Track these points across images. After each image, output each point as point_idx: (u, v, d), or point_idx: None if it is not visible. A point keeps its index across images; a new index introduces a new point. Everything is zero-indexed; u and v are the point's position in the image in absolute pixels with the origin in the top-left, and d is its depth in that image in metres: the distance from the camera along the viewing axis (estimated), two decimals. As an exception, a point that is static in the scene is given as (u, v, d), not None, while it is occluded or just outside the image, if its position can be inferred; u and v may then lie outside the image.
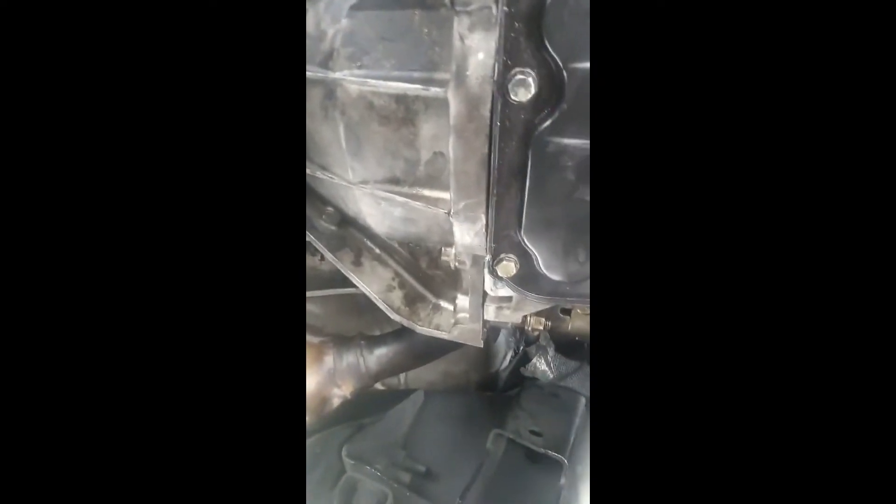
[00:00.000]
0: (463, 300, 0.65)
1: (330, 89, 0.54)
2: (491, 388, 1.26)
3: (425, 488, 0.80)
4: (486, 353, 1.25)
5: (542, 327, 0.67)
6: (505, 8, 0.38)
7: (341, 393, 1.00)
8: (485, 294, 0.58)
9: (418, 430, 0.95)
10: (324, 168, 0.62)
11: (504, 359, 1.27)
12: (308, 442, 0.90)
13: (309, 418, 0.99)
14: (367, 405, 1.02)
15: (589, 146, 0.42)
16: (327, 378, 1.00)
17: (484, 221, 0.50)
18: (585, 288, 0.52)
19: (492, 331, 1.01)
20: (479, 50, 0.42)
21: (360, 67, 0.51)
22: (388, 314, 0.68)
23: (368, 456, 0.82)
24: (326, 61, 0.53)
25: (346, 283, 1.09)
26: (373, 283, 0.69)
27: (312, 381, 0.99)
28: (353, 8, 0.50)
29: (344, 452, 0.82)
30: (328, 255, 0.69)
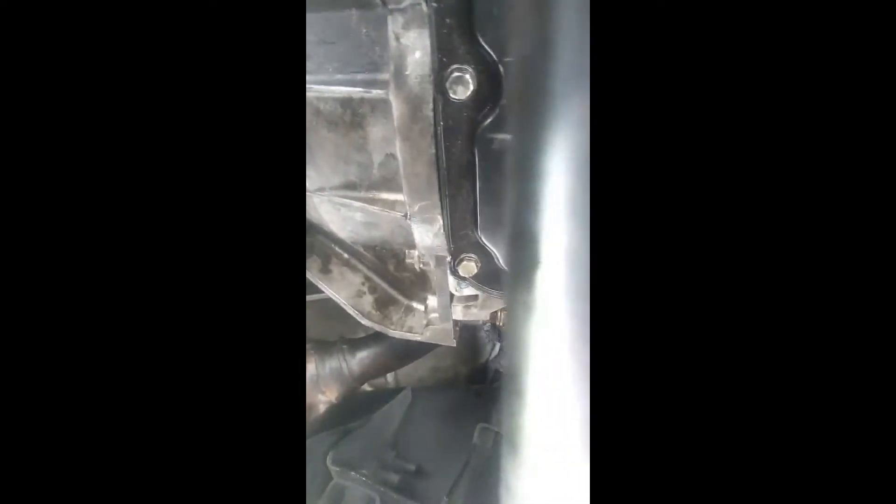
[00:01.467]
0: (433, 300, 0.64)
1: (275, 97, 0.53)
2: (480, 380, 1.26)
3: (414, 488, 0.80)
4: (473, 347, 1.25)
5: (513, 321, 0.67)
6: (434, 3, 0.37)
7: (326, 399, 1.00)
8: (451, 294, 0.58)
9: (407, 429, 0.95)
10: (280, 177, 0.61)
11: (492, 350, 1.27)
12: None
13: (295, 427, 0.98)
14: (354, 408, 1.02)
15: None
16: (311, 385, 1.00)
17: (441, 223, 0.50)
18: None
19: (465, 330, 1.01)
20: (415, 48, 0.41)
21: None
22: (360, 320, 0.67)
23: (355, 461, 0.81)
24: (268, 68, 0.52)
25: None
26: (342, 290, 0.68)
27: (296, 390, 0.98)
28: (290, 11, 0.49)
29: (329, 460, 0.82)
30: (295, 265, 0.68)
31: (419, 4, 0.39)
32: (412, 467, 0.85)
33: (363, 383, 1.01)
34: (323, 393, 0.98)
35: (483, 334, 1.19)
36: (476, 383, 1.25)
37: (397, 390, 1.06)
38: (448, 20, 0.37)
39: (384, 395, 1.05)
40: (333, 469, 0.81)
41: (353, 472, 0.79)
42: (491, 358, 1.28)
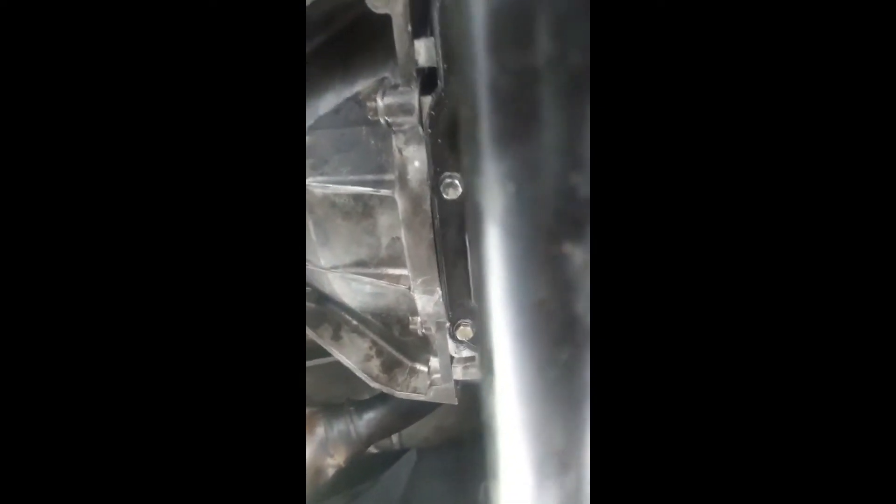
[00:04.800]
0: (435, 362, 0.71)
1: (297, 193, 0.63)
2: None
3: (422, 551, 0.81)
4: (475, 404, 1.28)
5: (509, 378, 0.73)
6: (429, 129, 0.48)
7: (335, 462, 1.02)
8: (451, 356, 0.65)
9: (414, 490, 0.97)
10: (298, 257, 0.70)
11: (494, 406, 1.29)
12: (304, 517, 0.91)
13: (305, 492, 0.99)
14: (361, 471, 1.03)
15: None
16: (320, 448, 1.02)
17: (440, 293, 0.58)
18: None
19: (465, 390, 1.05)
20: (414, 159, 0.51)
21: (321, 174, 0.61)
22: (369, 383, 0.73)
23: (365, 524, 0.83)
24: (292, 170, 0.63)
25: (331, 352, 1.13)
26: (352, 355, 0.75)
27: (306, 454, 1.00)
28: (311, 127, 0.60)
29: (340, 523, 0.84)
30: (309, 332, 0.75)
31: (416, 127, 0.49)
32: (420, 531, 0.86)
33: (370, 445, 1.03)
34: (331, 456, 1.00)
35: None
36: (480, 441, 1.27)
37: (402, 451, 1.08)
38: (440, 140, 0.48)
39: (390, 457, 1.07)
40: (345, 533, 0.82)
41: (364, 536, 0.81)
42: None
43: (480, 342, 0.29)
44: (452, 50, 0.44)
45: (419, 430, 1.23)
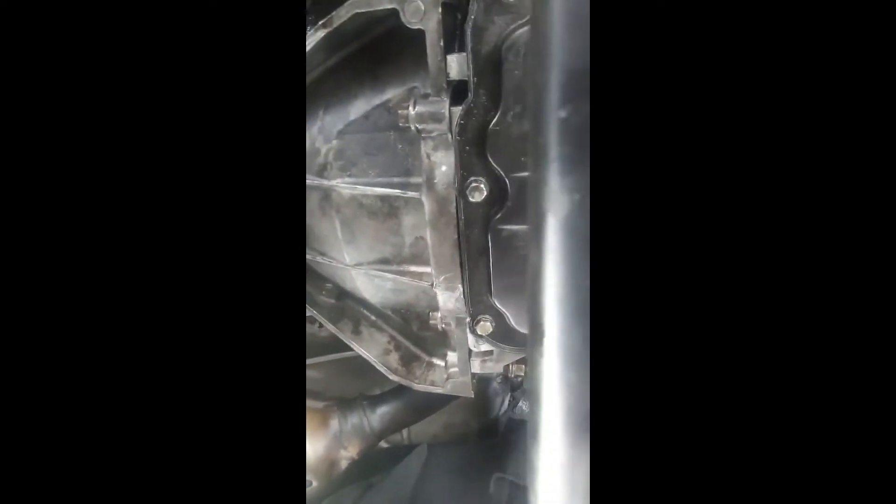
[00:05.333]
0: (453, 356, 0.74)
1: (326, 193, 0.67)
2: (491, 433, 1.31)
3: (435, 540, 0.84)
4: (483, 401, 1.31)
5: (523, 373, 0.76)
6: (458, 137, 0.51)
7: (348, 454, 1.05)
8: (470, 350, 0.68)
9: (425, 484, 0.99)
10: (323, 254, 0.74)
11: (501, 405, 1.33)
12: (321, 505, 0.94)
13: (319, 483, 1.03)
14: (373, 464, 1.06)
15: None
16: (334, 441, 1.05)
17: (461, 290, 0.61)
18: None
19: (482, 383, 1.08)
20: (442, 164, 0.55)
21: (349, 176, 0.64)
22: (388, 375, 0.76)
23: (381, 513, 0.86)
24: (322, 171, 0.66)
25: (344, 347, 1.17)
26: (371, 349, 0.78)
27: (320, 446, 1.04)
28: (341, 132, 0.64)
29: (357, 511, 0.87)
30: (330, 327, 0.79)
31: (445, 134, 0.53)
32: (431, 522, 0.89)
33: (383, 438, 1.06)
34: (345, 448, 1.03)
35: (495, 387, 1.26)
36: (487, 437, 1.30)
37: (413, 446, 1.11)
38: (468, 147, 0.52)
39: (401, 451, 1.10)
40: (362, 520, 0.85)
41: (380, 523, 0.84)
42: (501, 413, 1.33)
43: (532, 319, 0.32)
44: (482, 66, 0.48)
45: (428, 428, 1.26)
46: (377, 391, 1.11)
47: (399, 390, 1.07)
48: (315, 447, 1.02)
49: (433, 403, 1.06)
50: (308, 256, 0.75)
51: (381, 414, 1.04)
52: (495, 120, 0.49)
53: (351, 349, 1.15)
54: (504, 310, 0.61)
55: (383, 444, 1.18)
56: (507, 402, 1.30)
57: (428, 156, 0.55)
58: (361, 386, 1.19)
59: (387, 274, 0.69)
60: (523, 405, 1.12)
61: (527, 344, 0.34)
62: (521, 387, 1.16)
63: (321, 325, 1.20)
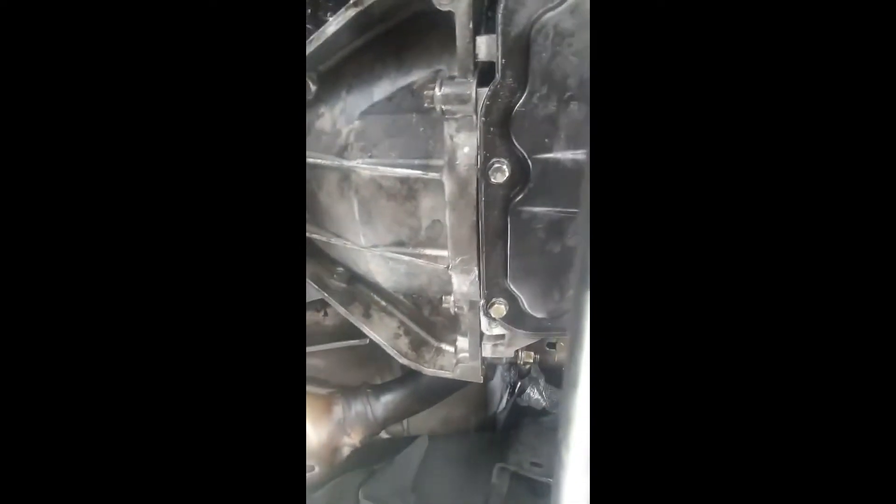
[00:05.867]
0: (462, 342, 0.75)
1: (345, 174, 0.68)
2: (490, 429, 1.31)
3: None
4: (484, 397, 1.32)
5: (531, 360, 0.77)
6: (483, 118, 0.52)
7: (351, 442, 1.05)
8: (481, 334, 0.69)
9: (426, 474, 1.00)
10: (338, 235, 0.74)
11: (501, 401, 1.33)
12: (325, 489, 0.95)
13: (321, 468, 1.03)
14: (374, 453, 1.06)
15: (553, 212, 0.55)
16: (337, 428, 1.05)
17: (477, 273, 0.62)
18: (563, 322, 0.63)
19: (488, 370, 1.09)
20: (464, 145, 0.56)
21: (370, 157, 0.65)
22: (398, 359, 0.77)
23: (384, 497, 0.87)
24: (342, 152, 0.67)
25: (349, 336, 1.17)
26: (381, 332, 0.79)
27: (324, 432, 1.04)
28: (364, 113, 0.65)
29: (361, 494, 0.87)
30: (340, 310, 0.79)
31: (469, 115, 0.54)
32: (432, 510, 0.90)
33: (386, 427, 1.07)
34: (348, 435, 1.04)
35: (498, 381, 1.27)
36: (486, 432, 1.30)
37: (414, 437, 1.12)
38: (492, 128, 0.53)
39: (402, 442, 1.10)
40: (366, 503, 0.86)
41: (384, 505, 0.84)
42: (499, 410, 1.34)
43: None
44: (511, 47, 0.49)
45: (426, 422, 1.26)
46: (380, 381, 1.12)
47: (403, 379, 1.07)
48: (318, 433, 1.02)
49: (437, 393, 1.06)
50: (322, 238, 0.76)
51: (384, 402, 1.04)
52: (521, 101, 0.50)
53: (355, 338, 1.16)
54: (518, 293, 0.61)
55: (384, 435, 1.18)
56: (505, 400, 1.31)
57: (451, 137, 0.56)
58: (365, 375, 1.19)
59: (402, 256, 0.70)
60: (530, 392, 1.12)
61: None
62: (529, 374, 1.17)
63: (326, 314, 1.21)
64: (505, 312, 0.63)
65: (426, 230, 0.68)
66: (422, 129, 0.62)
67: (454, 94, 0.52)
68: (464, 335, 0.74)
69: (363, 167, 0.65)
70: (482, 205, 0.56)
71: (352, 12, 0.56)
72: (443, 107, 0.53)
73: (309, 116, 0.68)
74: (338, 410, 1.06)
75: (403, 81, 0.62)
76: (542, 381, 1.17)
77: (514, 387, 1.22)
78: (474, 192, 0.56)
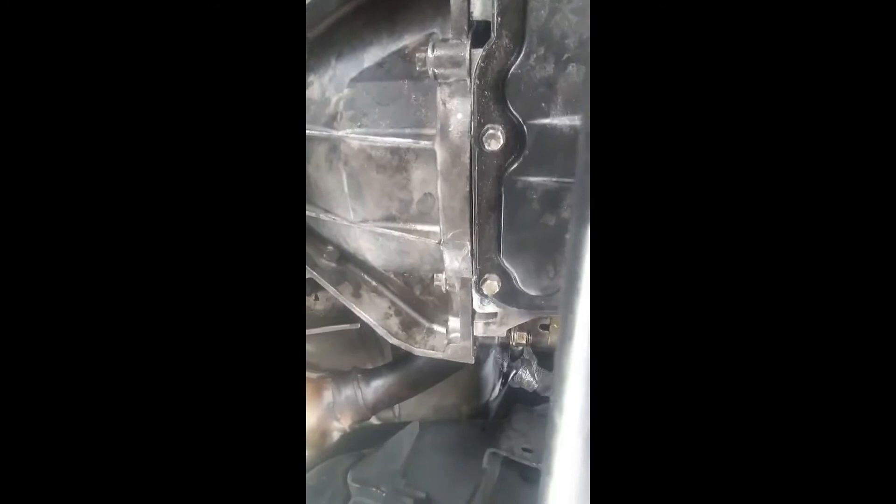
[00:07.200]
0: (454, 322, 0.73)
1: (334, 145, 0.65)
2: (482, 418, 1.30)
3: (428, 511, 0.83)
4: (476, 385, 1.30)
5: (524, 341, 0.75)
6: (476, 81, 0.50)
7: (340, 426, 1.04)
8: (473, 312, 0.67)
9: (416, 459, 0.98)
10: (327, 211, 0.72)
11: (493, 390, 1.32)
12: (313, 472, 0.93)
13: (310, 452, 1.01)
14: (364, 438, 1.05)
15: (549, 181, 0.53)
16: (327, 412, 1.04)
17: (469, 248, 0.60)
18: (557, 300, 0.61)
19: (480, 352, 1.07)
20: (458, 111, 0.53)
21: (360, 126, 0.63)
22: (388, 339, 0.75)
23: (373, 481, 0.85)
24: (331, 122, 0.64)
25: (340, 321, 1.15)
26: (371, 312, 0.77)
27: (313, 416, 1.02)
28: (353, 80, 0.62)
29: (350, 477, 0.86)
30: (330, 289, 0.77)
31: (463, 80, 0.52)
32: (423, 495, 0.88)
33: (376, 412, 1.05)
34: (338, 419, 1.02)
35: (490, 369, 1.25)
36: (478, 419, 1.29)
37: (405, 423, 1.10)
38: (486, 92, 0.50)
39: (392, 428, 1.09)
40: (354, 486, 0.84)
41: (373, 489, 0.83)
42: (492, 398, 1.33)
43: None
44: (507, 4, 0.46)
45: (417, 410, 1.25)
46: (370, 366, 1.10)
47: (393, 365, 1.06)
48: (308, 417, 1.00)
49: (427, 379, 1.05)
50: (312, 213, 0.73)
51: (374, 387, 1.03)
52: (517, 63, 0.48)
53: (345, 322, 1.14)
54: (512, 269, 0.59)
55: (375, 421, 1.17)
56: (497, 387, 1.30)
57: (444, 103, 0.54)
58: (355, 360, 1.18)
59: (393, 232, 0.67)
60: (522, 374, 1.11)
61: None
62: (521, 356, 1.16)
63: (317, 298, 1.18)
64: (497, 289, 0.61)
65: (417, 204, 0.65)
66: (413, 96, 0.60)
67: (447, 56, 0.50)
68: (455, 315, 0.72)
69: (352, 137, 0.63)
70: (475, 174, 0.54)
71: (341, -29, 0.54)
72: (435, 70, 0.51)
73: (297, 84, 0.65)
74: (327, 395, 1.04)
75: (395, 46, 0.60)
76: (534, 364, 1.16)
77: (506, 376, 1.21)
78: (467, 160, 0.54)
